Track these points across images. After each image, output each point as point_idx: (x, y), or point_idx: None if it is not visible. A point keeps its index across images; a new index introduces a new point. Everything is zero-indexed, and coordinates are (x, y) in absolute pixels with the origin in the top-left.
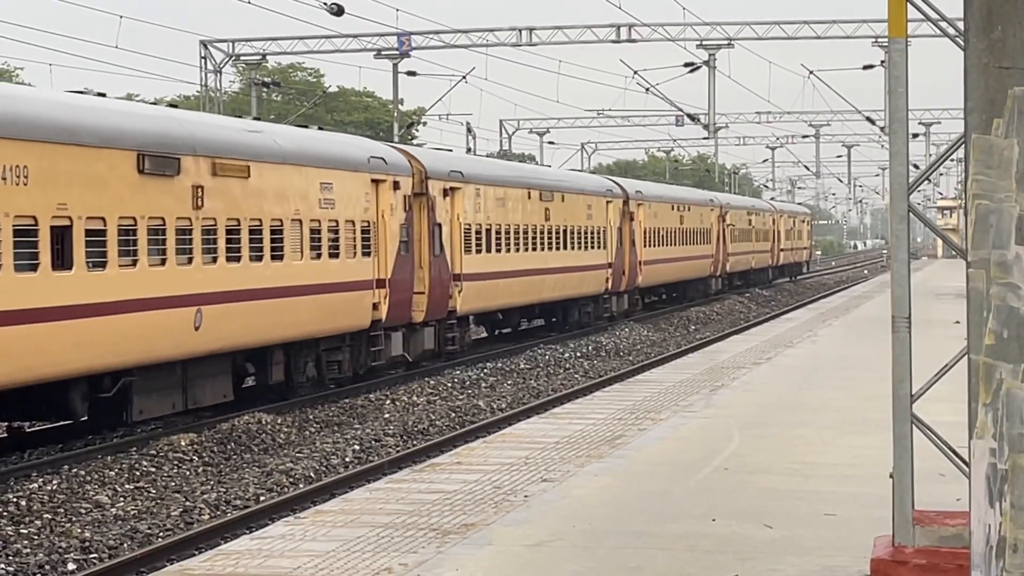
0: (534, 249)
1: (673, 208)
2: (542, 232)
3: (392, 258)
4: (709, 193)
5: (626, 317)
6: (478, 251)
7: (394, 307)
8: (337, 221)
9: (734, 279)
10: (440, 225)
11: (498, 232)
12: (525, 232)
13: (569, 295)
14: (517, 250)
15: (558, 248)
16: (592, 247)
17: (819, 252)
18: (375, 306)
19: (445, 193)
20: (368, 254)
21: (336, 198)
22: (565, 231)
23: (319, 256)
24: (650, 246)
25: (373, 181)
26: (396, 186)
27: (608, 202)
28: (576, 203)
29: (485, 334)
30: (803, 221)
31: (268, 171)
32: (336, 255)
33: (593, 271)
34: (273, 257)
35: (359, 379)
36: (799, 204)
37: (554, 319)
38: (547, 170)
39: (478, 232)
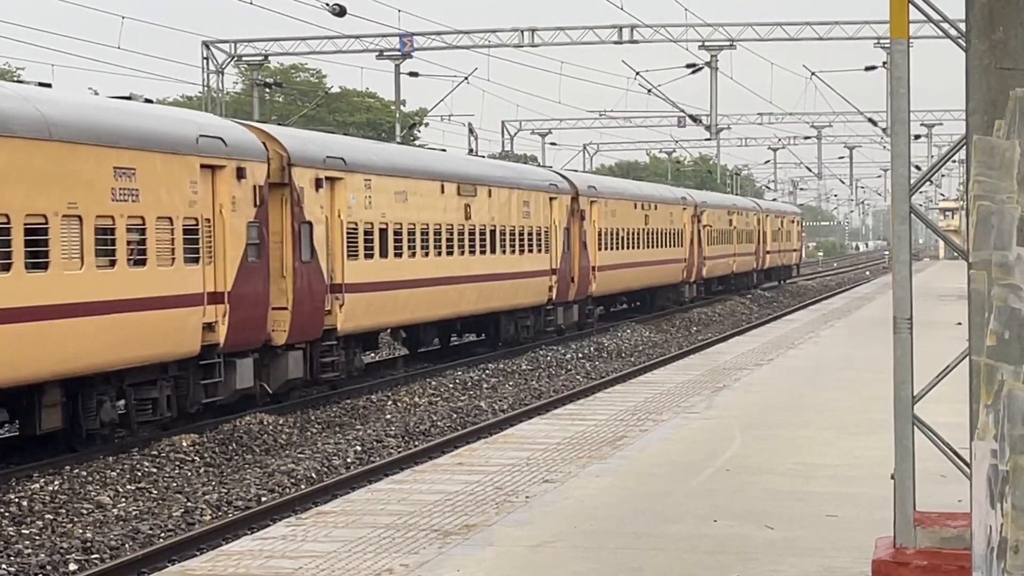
0: (449, 253)
1: (636, 206)
2: (460, 233)
3: (235, 266)
4: (681, 190)
5: (579, 329)
6: (368, 256)
7: (238, 327)
8: (143, 218)
9: (712, 285)
10: (310, 224)
11: (398, 233)
12: (437, 233)
13: (499, 307)
14: (425, 254)
15: (483, 252)
16: (530, 250)
17: (821, 253)
18: (209, 327)
19: (318, 184)
20: (196, 261)
21: (141, 188)
22: (493, 232)
23: (112, 264)
24: (606, 249)
25: (205, 167)
26: (240, 174)
27: (552, 198)
28: (508, 199)
29: (406, 352)
30: (792, 221)
31: (20, 150)
32: (142, 262)
33: (531, 279)
34: (32, 266)
35: (191, 418)
36: (789, 203)
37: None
38: (468, 159)
39: (368, 233)
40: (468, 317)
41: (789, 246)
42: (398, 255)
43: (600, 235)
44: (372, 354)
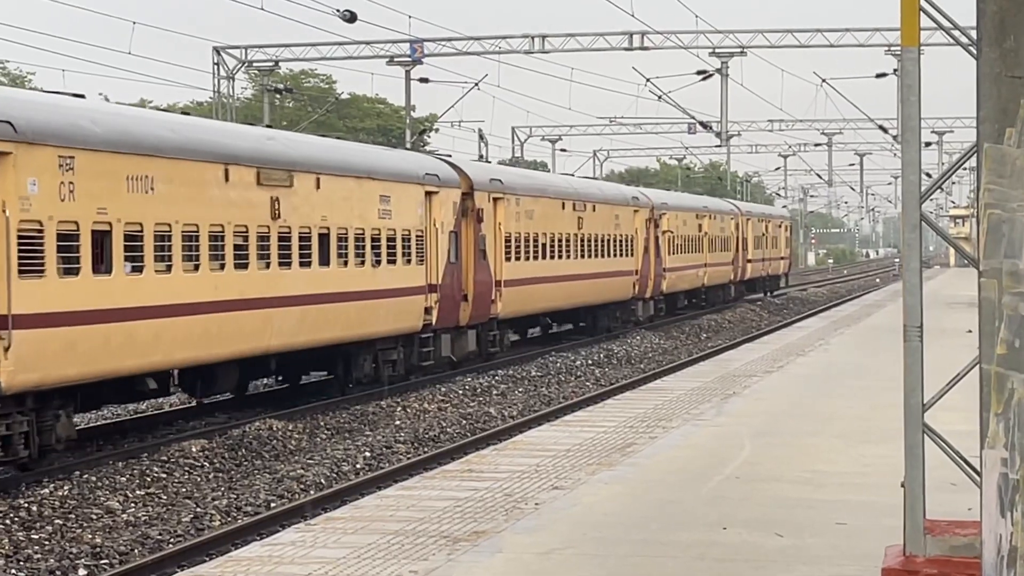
0: (242, 266)
1: (564, 206)
2: (264, 238)
3: None
4: (633, 189)
5: (484, 360)
6: (69, 272)
7: None
8: None
9: (676, 300)
10: None
11: (134, 238)
12: (217, 238)
13: (342, 337)
14: (194, 268)
15: (306, 264)
16: (391, 261)
17: (831, 260)
18: None
19: None
20: None
21: None
22: (324, 237)
23: None
24: (519, 259)
25: None
26: None
27: (430, 193)
28: (352, 193)
29: (192, 402)
30: (779, 226)
31: None
32: None
33: (396, 299)
34: None
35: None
36: (783, 208)
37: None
38: (282, 136)
39: (68, 237)
40: (281, 354)
41: (775, 254)
42: (137, 270)
43: (509, 241)
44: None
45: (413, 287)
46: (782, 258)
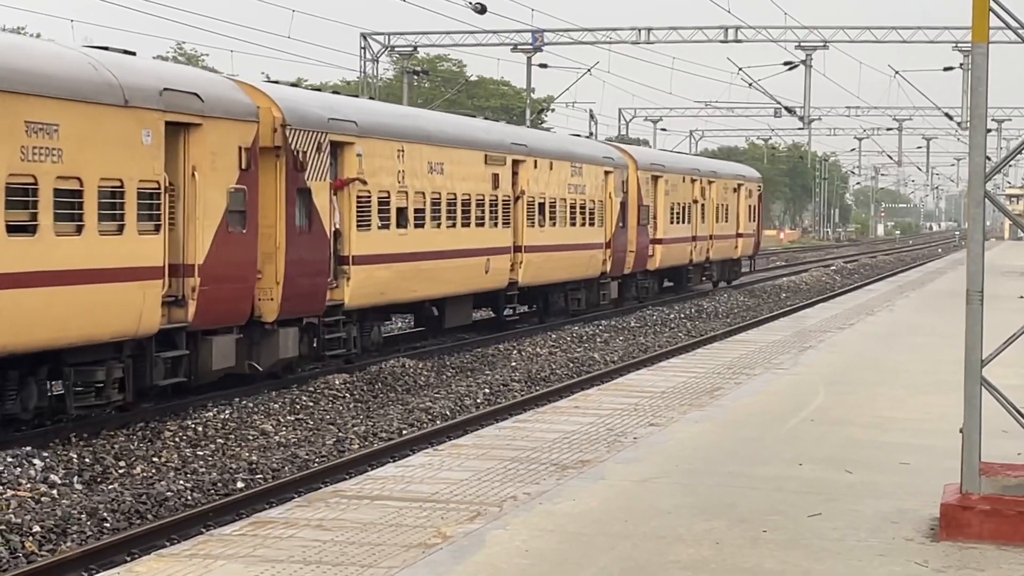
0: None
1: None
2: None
3: None
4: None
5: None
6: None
7: None
8: None
9: (405, 319)
10: None
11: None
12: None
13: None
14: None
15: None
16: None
17: (898, 232)
18: None
19: None
20: None
21: None
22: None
23: None
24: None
25: None
26: None
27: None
28: (718, 187)
29: None
30: (733, 190)
31: None
32: None
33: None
34: None
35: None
36: (745, 168)
37: None
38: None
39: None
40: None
41: (726, 230)
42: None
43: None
44: None
45: (735, 234)
46: (739, 235)
